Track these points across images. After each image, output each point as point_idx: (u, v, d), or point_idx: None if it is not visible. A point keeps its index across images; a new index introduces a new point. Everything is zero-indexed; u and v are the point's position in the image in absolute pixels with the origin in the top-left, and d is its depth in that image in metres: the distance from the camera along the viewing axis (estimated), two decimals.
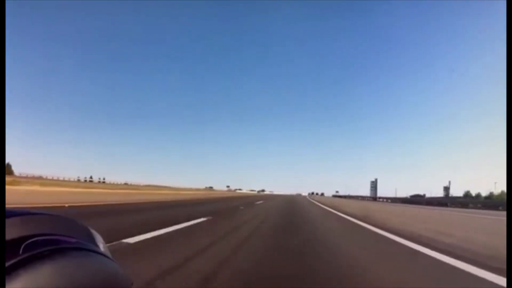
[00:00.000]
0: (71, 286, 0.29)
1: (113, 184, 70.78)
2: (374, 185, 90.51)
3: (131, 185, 72.36)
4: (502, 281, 2.16)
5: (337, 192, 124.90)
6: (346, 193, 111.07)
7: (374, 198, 66.00)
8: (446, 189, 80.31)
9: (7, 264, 0.27)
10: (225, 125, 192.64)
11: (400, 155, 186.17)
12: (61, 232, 0.36)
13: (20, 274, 0.26)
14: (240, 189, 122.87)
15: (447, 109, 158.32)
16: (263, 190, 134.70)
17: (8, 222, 0.32)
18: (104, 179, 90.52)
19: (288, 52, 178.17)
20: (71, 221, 0.40)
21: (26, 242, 0.30)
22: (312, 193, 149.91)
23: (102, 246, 0.41)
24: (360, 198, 64.68)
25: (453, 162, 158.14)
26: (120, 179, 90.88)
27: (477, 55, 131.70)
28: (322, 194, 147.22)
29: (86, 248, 0.34)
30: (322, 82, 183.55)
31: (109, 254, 0.39)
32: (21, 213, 0.34)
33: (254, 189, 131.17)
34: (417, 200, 46.23)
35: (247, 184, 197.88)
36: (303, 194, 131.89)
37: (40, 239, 0.32)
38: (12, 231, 0.31)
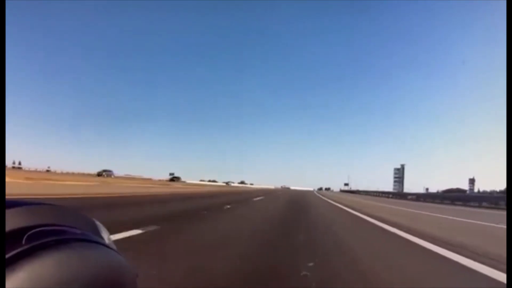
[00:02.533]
0: (75, 278, 0.29)
1: (33, 171, 48.52)
2: (399, 175, 66.16)
3: (55, 172, 51.97)
4: None
5: (346, 185, 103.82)
6: (353, 187, 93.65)
7: (400, 194, 47.66)
8: (472, 181, 66.29)
9: (10, 254, 0.27)
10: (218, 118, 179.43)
11: (418, 146, 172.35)
12: (66, 223, 0.35)
13: (23, 264, 0.26)
14: (214, 181, 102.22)
15: (471, 96, 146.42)
16: (242, 182, 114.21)
17: (12, 212, 0.32)
18: (20, 163, 65.06)
19: (295, 44, 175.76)
20: (76, 212, 0.39)
21: (30, 232, 0.30)
22: (321, 189, 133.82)
23: (107, 238, 0.41)
24: (390, 195, 45.33)
25: (479, 154, 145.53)
26: (42, 165, 66.22)
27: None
28: (328, 189, 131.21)
29: (91, 239, 0.34)
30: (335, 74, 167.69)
31: (114, 246, 0.38)
32: (26, 203, 0.34)
33: (233, 181, 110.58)
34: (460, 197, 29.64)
35: (232, 176, 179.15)
36: (294, 187, 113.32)
37: (45, 229, 0.32)
38: (16, 221, 0.31)
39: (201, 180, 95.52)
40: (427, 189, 70.03)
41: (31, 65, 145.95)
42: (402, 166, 67.45)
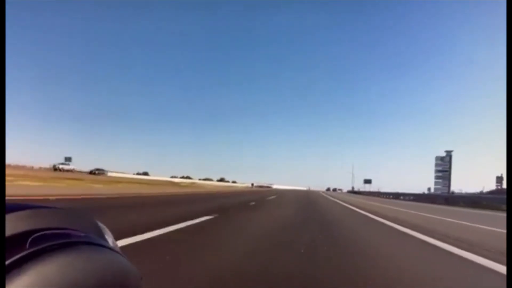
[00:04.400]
0: (80, 281, 0.29)
1: None
2: (444, 167, 45.33)
3: None
4: None
5: (367, 182, 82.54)
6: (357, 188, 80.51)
7: (445, 198, 29.32)
8: (500, 180, 57.69)
9: (14, 258, 0.27)
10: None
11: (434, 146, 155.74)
12: (69, 226, 0.36)
13: (27, 268, 0.26)
14: (189, 177, 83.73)
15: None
16: (222, 179, 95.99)
17: (16, 215, 0.32)
18: None
19: (301, 43, 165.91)
20: (80, 215, 0.39)
21: (34, 236, 0.30)
22: (328, 189, 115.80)
23: (111, 240, 0.41)
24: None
25: (501, 150, 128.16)
26: None
27: None
28: (335, 189, 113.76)
29: (95, 242, 0.35)
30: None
31: (118, 249, 0.39)
32: (29, 207, 0.35)
33: (212, 178, 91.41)
34: None
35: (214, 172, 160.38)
36: (279, 186, 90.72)
37: (48, 232, 0.32)
38: (19, 225, 0.31)
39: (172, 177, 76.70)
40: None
41: None
42: (449, 154, 47.01)
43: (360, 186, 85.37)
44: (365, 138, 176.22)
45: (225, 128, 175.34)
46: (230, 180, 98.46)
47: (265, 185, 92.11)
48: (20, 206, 0.34)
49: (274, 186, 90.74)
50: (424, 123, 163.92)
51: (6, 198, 0.33)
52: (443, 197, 31.72)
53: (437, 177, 46.98)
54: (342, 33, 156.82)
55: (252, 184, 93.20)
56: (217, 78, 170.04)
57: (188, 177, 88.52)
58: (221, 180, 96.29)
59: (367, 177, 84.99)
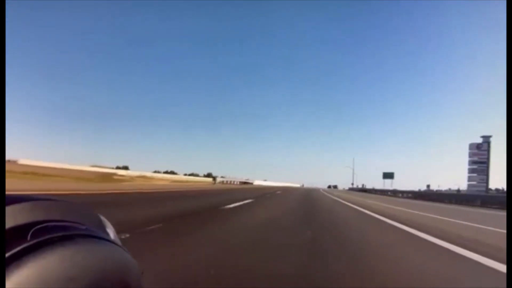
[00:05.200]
0: (81, 273, 0.29)
1: None
2: (482, 157, 33.95)
3: None
4: None
5: (388, 176, 65.40)
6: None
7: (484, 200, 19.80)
8: None
9: (15, 250, 0.27)
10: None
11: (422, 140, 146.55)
12: (71, 218, 0.36)
13: (28, 260, 0.26)
14: (173, 172, 75.10)
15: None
16: (209, 175, 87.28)
17: (17, 207, 0.32)
18: None
19: (298, 31, 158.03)
20: (81, 208, 0.39)
21: (35, 228, 0.30)
22: (329, 187, 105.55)
23: (112, 233, 0.41)
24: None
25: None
26: None
27: None
28: (335, 187, 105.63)
29: (96, 235, 0.35)
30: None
31: (119, 242, 0.38)
32: (31, 199, 0.35)
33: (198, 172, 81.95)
34: None
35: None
36: (269, 183, 74.01)
37: (50, 225, 0.32)
38: (21, 217, 0.31)
39: (155, 171, 67.65)
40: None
41: None
42: (487, 141, 34.82)
43: (366, 182, 75.57)
44: (364, 131, 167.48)
45: (218, 124, 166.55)
46: (219, 176, 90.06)
47: (243, 180, 68.93)
48: (22, 198, 0.34)
49: (257, 182, 72.84)
50: (426, 119, 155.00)
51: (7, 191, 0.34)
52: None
53: (471, 171, 35.48)
54: (342, 28, 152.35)
55: (214, 179, 55.08)
56: (208, 74, 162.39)
57: (172, 172, 79.70)
58: (208, 175, 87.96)
59: (373, 173, 76.03)
